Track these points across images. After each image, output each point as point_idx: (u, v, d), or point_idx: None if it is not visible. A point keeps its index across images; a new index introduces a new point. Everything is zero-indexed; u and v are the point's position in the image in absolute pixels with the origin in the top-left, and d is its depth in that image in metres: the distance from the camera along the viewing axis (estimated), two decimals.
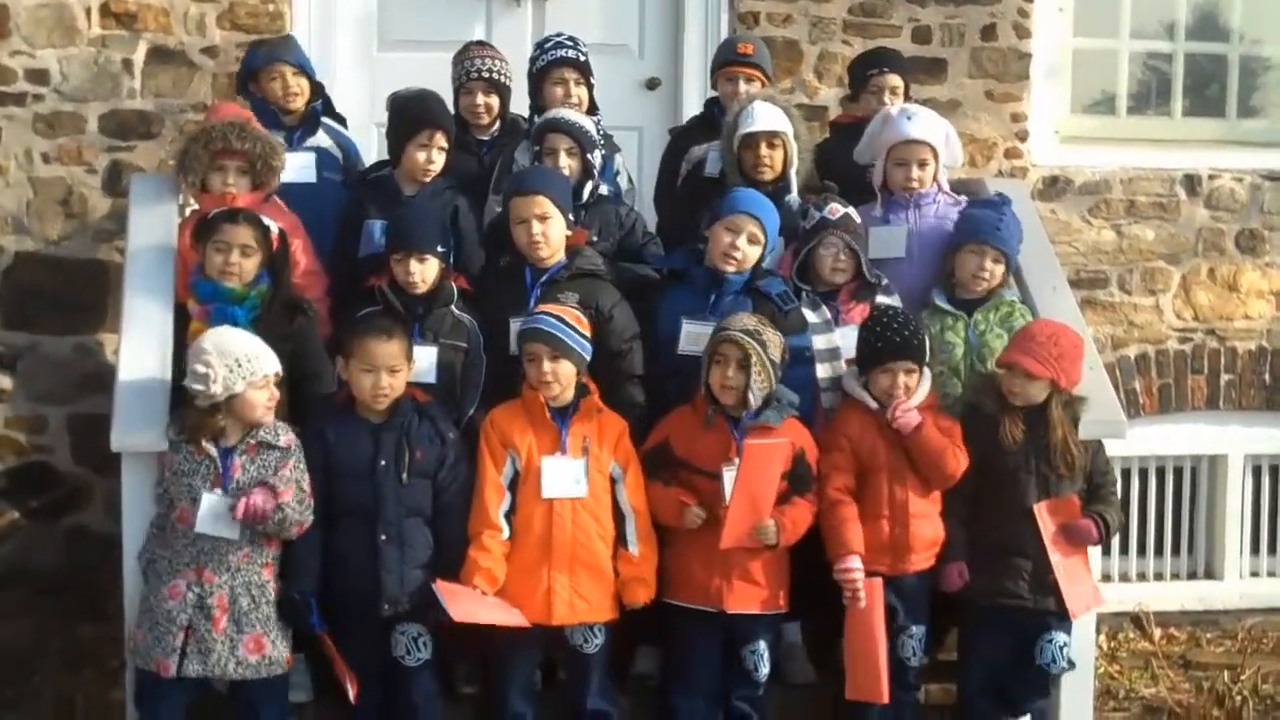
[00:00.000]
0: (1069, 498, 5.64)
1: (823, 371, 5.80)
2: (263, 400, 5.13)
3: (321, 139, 6.40)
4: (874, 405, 5.56)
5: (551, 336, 5.33)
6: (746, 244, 5.72)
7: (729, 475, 5.37)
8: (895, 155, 6.25)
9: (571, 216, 5.76)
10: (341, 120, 6.64)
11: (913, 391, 5.55)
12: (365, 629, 5.25)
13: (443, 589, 5.15)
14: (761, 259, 5.79)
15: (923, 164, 6.23)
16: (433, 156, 6.01)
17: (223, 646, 5.04)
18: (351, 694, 5.18)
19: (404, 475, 5.24)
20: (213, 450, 5.10)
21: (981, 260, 5.95)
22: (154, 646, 5.03)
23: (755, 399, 5.39)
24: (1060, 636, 5.61)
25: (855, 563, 5.43)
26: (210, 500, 5.07)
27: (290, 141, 6.28)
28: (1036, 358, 5.55)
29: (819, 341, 5.82)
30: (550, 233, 5.65)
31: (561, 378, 5.36)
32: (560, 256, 5.71)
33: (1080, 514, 5.67)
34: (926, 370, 5.64)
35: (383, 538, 5.21)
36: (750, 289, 5.76)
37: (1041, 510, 5.58)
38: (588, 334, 5.43)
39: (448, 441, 5.33)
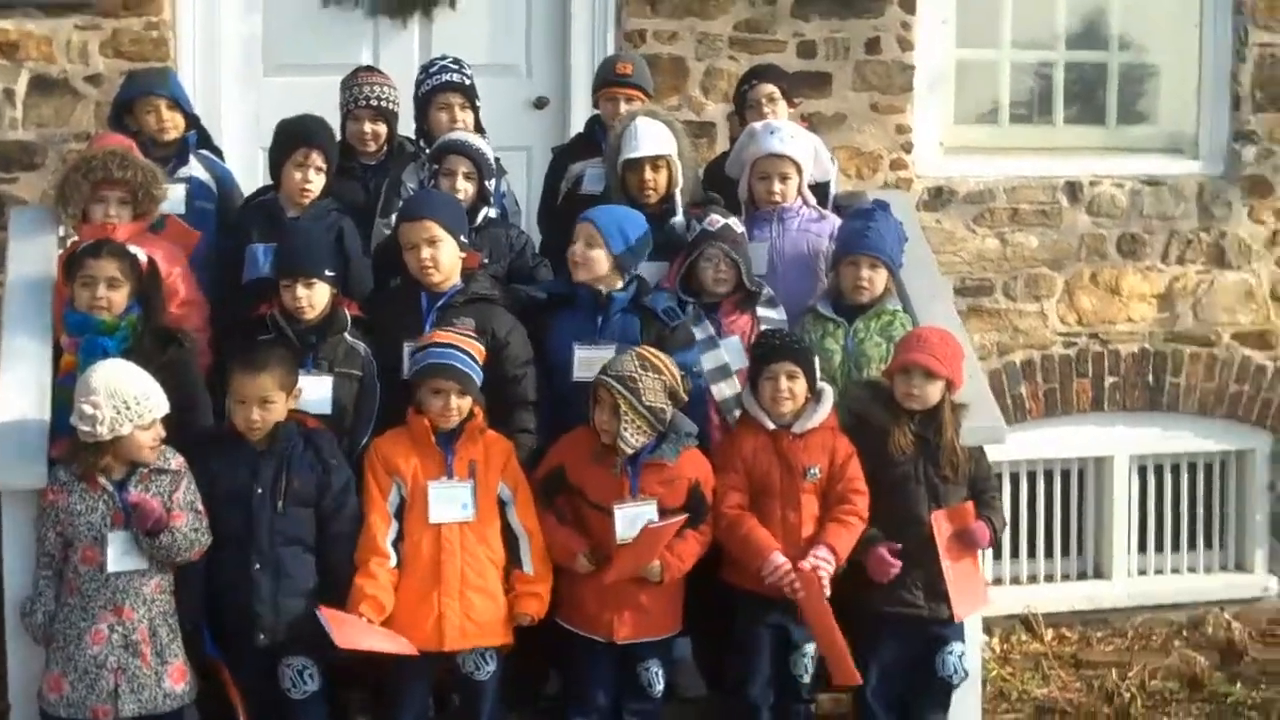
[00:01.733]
0: (964, 505, 5.70)
1: (719, 392, 5.83)
2: (148, 441, 5.09)
3: (195, 169, 6.34)
4: (770, 425, 5.59)
5: (464, 375, 5.34)
6: (584, 248, 5.75)
7: (621, 513, 5.39)
8: (759, 169, 6.31)
9: (465, 239, 5.76)
10: (218, 152, 6.61)
11: (798, 398, 5.58)
12: (251, 660, 5.22)
13: (328, 615, 5.13)
14: (621, 266, 5.79)
15: (785, 178, 6.29)
16: (309, 176, 6.00)
17: (153, 681, 5.03)
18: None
19: (279, 503, 5.21)
20: (109, 486, 5.07)
21: (858, 271, 6.01)
22: (87, 695, 4.98)
23: (627, 446, 5.39)
24: (958, 646, 5.68)
25: (779, 558, 5.45)
26: (119, 537, 5.03)
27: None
28: (936, 356, 5.63)
29: (707, 361, 5.85)
30: (440, 257, 5.65)
31: (464, 411, 5.38)
32: (455, 280, 5.71)
33: (974, 519, 5.72)
34: (827, 389, 5.69)
35: (256, 566, 5.18)
36: (637, 305, 5.80)
37: (939, 518, 5.64)
38: (481, 363, 5.45)
39: (330, 469, 5.30)
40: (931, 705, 5.75)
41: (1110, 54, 8.30)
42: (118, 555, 5.04)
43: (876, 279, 6.03)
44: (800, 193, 6.35)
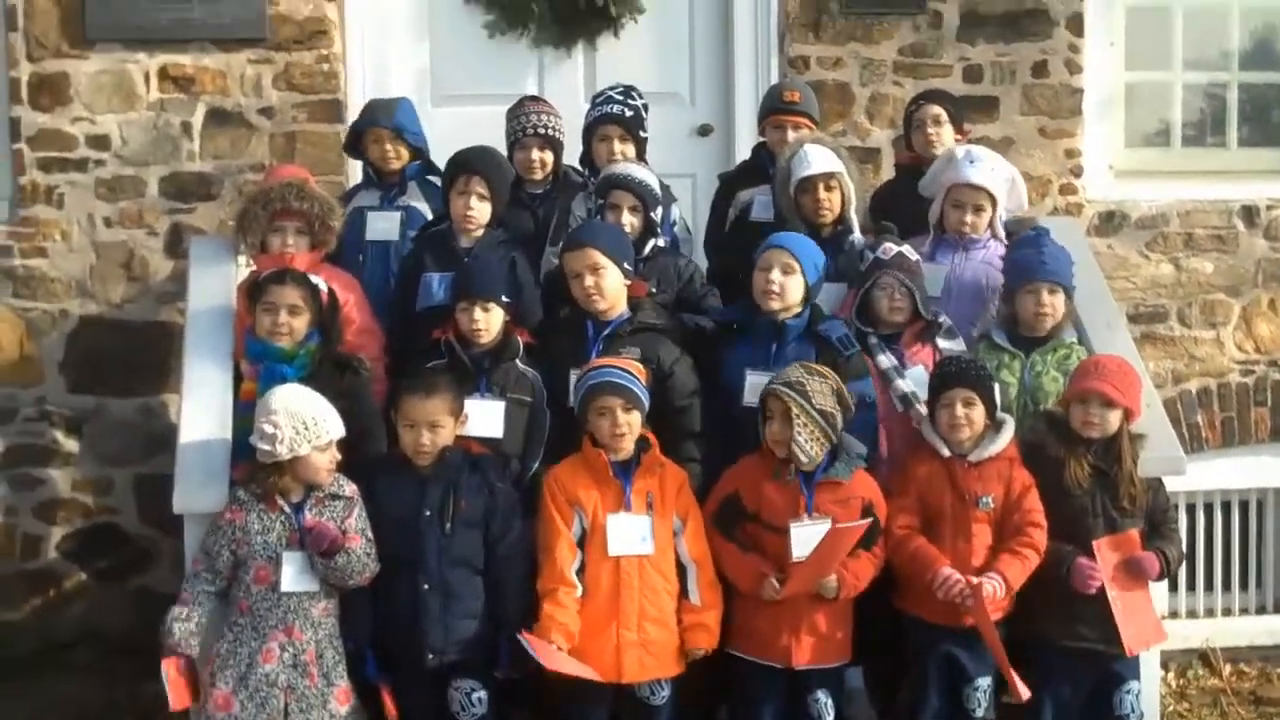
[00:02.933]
0: (1129, 533, 5.60)
1: (915, 417, 5.76)
2: (324, 463, 5.19)
3: (413, 198, 6.48)
4: (945, 452, 5.54)
5: (625, 389, 5.35)
6: (781, 275, 5.71)
7: (797, 532, 5.35)
8: (953, 196, 6.28)
9: (629, 266, 5.78)
10: None
11: (976, 425, 5.51)
12: (420, 682, 5.27)
13: (531, 641, 5.16)
14: (809, 296, 5.78)
15: (978, 209, 6.25)
16: (470, 203, 6.03)
17: (319, 702, 5.10)
18: None
19: (448, 525, 5.25)
20: (287, 507, 5.16)
21: (1038, 297, 5.94)
22: (257, 714, 5.05)
23: (804, 452, 5.35)
24: (1135, 685, 5.59)
25: (948, 570, 5.39)
26: (294, 557, 5.13)
27: (382, 202, 6.43)
28: (1115, 385, 5.56)
29: (902, 386, 5.80)
30: (605, 284, 5.67)
31: (634, 429, 5.37)
32: (621, 308, 5.74)
33: (1141, 549, 5.62)
34: (1009, 419, 5.63)
35: (425, 587, 5.22)
36: (811, 334, 5.76)
37: (1102, 546, 5.54)
38: (646, 385, 5.45)
39: (497, 492, 5.34)
40: None
41: None
42: (293, 575, 5.13)
43: (1056, 304, 5.96)
44: (991, 225, 6.30)
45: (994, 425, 5.59)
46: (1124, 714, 5.58)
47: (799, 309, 5.78)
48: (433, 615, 5.22)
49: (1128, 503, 5.59)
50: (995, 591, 5.38)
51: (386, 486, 5.33)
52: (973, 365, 5.66)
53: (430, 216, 6.42)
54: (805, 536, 5.35)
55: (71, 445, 7.15)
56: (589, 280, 5.66)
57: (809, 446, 5.35)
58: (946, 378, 5.59)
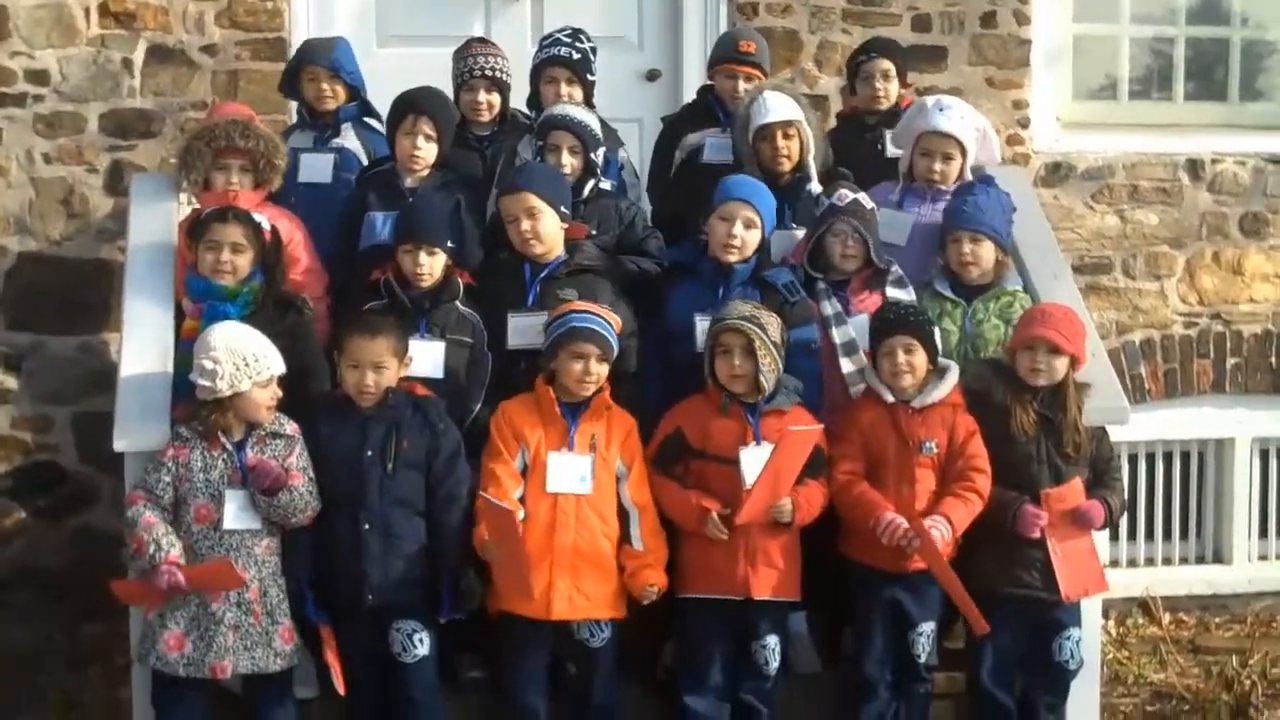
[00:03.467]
0: (1072, 483, 5.62)
1: (847, 366, 5.79)
2: (265, 400, 5.15)
3: (348, 140, 6.41)
4: (889, 398, 5.55)
5: (605, 340, 5.35)
6: (743, 229, 5.71)
7: (748, 457, 5.36)
8: (922, 145, 6.24)
9: (566, 210, 5.75)
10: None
11: (918, 371, 5.52)
12: (361, 622, 5.25)
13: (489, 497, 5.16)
14: (763, 244, 5.78)
15: (948, 158, 6.21)
16: (418, 144, 5.99)
17: (264, 640, 5.07)
18: (338, 685, 5.18)
19: (389, 465, 5.23)
20: (229, 445, 5.12)
21: (960, 246, 5.93)
22: (206, 652, 5.02)
23: (767, 382, 5.39)
24: (1075, 632, 5.63)
25: (890, 514, 5.40)
26: (236, 495, 5.09)
27: (316, 144, 6.36)
28: (1062, 332, 5.58)
29: (837, 335, 5.81)
30: (541, 228, 5.65)
31: (600, 380, 5.37)
32: (558, 251, 5.72)
33: (1085, 498, 5.64)
34: (952, 365, 5.64)
35: (366, 527, 5.19)
36: (757, 279, 5.76)
37: (1049, 496, 5.56)
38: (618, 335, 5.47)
39: (439, 433, 5.31)
40: (1048, 691, 5.69)
41: (1232, 29, 8.17)
42: (235, 513, 5.09)
43: (981, 253, 5.94)
44: (961, 175, 6.26)
45: (937, 371, 5.60)
46: (1064, 660, 5.62)
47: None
48: (373, 555, 5.19)
49: (1072, 450, 5.62)
50: (942, 536, 5.39)
51: (328, 426, 5.29)
52: (912, 311, 5.68)
53: (365, 159, 6.37)
54: (756, 460, 5.36)
55: (10, 383, 7.08)
56: (525, 224, 5.64)
57: (770, 375, 5.39)
58: (887, 324, 5.59)
